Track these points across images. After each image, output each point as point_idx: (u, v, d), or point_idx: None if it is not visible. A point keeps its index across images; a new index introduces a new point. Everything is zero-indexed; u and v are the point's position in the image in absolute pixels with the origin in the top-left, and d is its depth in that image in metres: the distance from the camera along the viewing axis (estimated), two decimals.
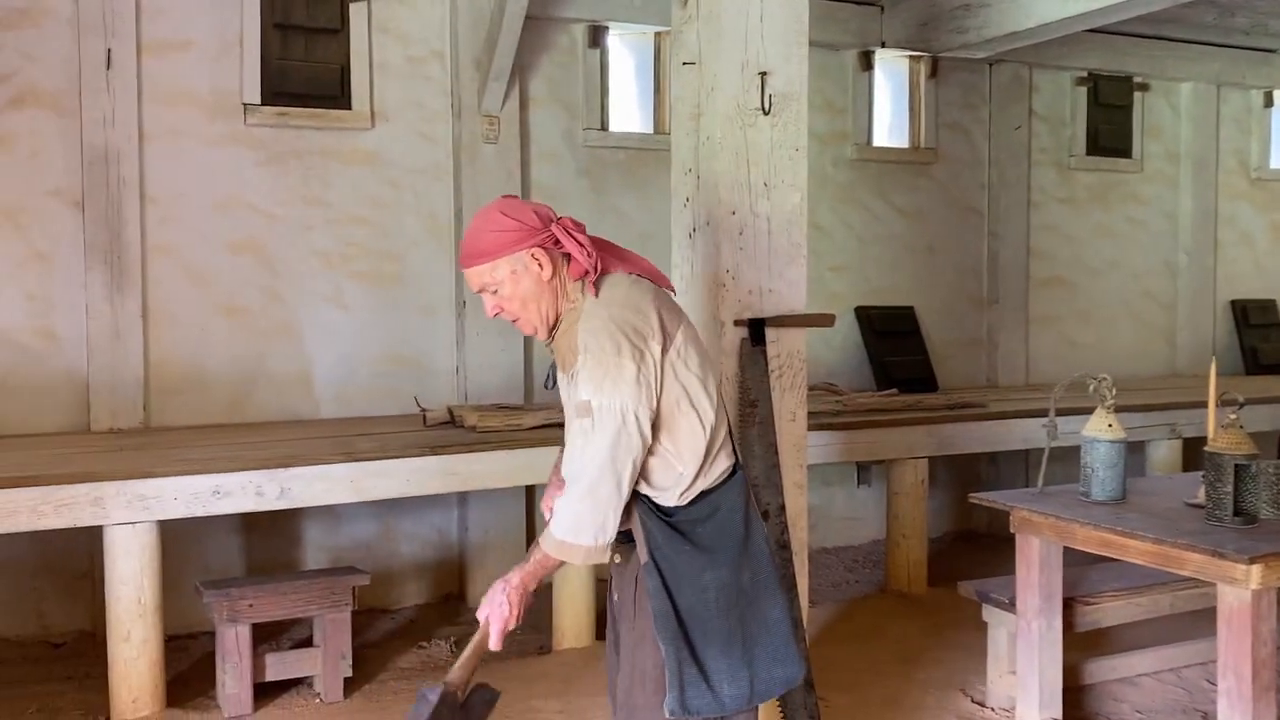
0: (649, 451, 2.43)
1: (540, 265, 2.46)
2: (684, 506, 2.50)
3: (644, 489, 2.49)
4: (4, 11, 5.13)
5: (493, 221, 2.47)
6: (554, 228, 2.48)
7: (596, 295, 2.47)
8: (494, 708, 2.49)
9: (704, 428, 2.49)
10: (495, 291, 2.49)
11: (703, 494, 2.51)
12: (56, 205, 5.23)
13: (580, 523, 2.39)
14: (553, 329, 2.54)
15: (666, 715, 2.43)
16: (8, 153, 5.15)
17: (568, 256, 2.49)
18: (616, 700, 2.62)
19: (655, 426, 2.43)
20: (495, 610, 2.42)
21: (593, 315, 2.43)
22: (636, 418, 2.37)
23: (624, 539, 2.54)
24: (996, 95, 7.45)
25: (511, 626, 2.43)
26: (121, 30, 5.26)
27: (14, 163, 5.16)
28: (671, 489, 2.49)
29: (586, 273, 2.47)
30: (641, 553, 2.48)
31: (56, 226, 5.23)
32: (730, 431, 2.63)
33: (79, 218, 5.24)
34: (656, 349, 2.41)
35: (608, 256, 2.53)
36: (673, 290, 2.69)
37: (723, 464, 2.56)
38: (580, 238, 2.48)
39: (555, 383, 2.65)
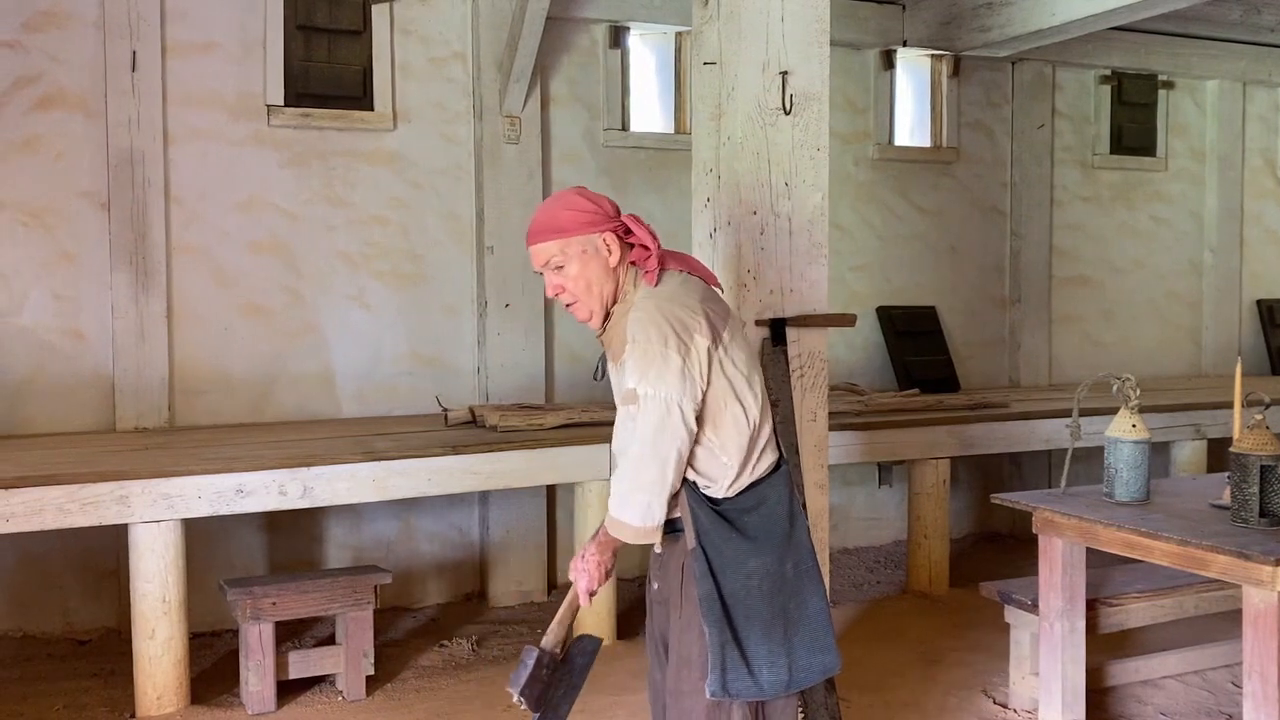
0: (695, 441, 2.52)
1: (609, 250, 2.57)
2: (732, 497, 2.58)
3: (694, 477, 2.57)
4: (30, 14, 5.18)
5: (570, 201, 2.59)
6: (625, 218, 2.60)
7: (653, 285, 2.56)
8: (596, 656, 2.74)
9: (748, 422, 2.57)
10: (560, 268, 2.57)
11: (750, 486, 2.59)
12: (83, 206, 5.28)
13: (626, 502, 2.51)
14: (605, 319, 2.63)
15: (708, 696, 2.50)
16: (35, 154, 5.21)
17: (629, 249, 2.59)
18: (666, 687, 2.68)
19: (700, 418, 2.52)
20: (580, 575, 2.62)
21: (642, 307, 2.52)
22: (681, 409, 2.46)
23: (667, 529, 2.63)
24: (1019, 94, 7.41)
25: (595, 588, 2.62)
26: (146, 33, 5.30)
27: (41, 164, 5.21)
28: (720, 480, 2.57)
29: (647, 259, 2.57)
30: (689, 539, 2.55)
31: (83, 227, 5.28)
32: (776, 428, 2.70)
33: (105, 219, 5.29)
34: (703, 343, 2.50)
35: (664, 254, 2.63)
36: (720, 288, 2.78)
37: (769, 458, 2.64)
38: (650, 229, 2.60)
39: (605, 374, 2.75)
